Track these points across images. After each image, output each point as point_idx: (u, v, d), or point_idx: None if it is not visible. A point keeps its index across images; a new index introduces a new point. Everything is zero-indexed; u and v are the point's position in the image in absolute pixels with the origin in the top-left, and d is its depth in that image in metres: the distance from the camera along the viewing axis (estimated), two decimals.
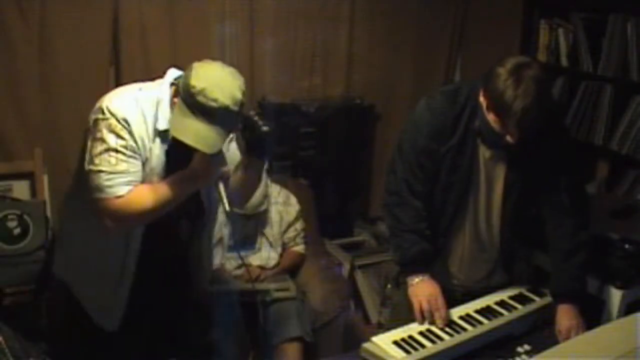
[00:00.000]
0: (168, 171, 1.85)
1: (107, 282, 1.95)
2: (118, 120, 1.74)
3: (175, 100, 1.78)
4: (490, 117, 1.87)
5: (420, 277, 2.08)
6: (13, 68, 2.91)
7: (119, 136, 1.74)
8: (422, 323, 2.00)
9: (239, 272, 2.88)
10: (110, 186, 1.74)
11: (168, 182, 1.80)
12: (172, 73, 1.86)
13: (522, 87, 1.76)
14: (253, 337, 2.71)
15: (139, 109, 1.78)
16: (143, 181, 1.81)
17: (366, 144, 3.80)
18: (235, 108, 1.73)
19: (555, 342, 1.96)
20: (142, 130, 1.78)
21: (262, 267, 2.93)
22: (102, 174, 1.74)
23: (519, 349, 1.94)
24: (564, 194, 2.05)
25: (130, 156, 1.76)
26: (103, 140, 1.74)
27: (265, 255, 2.95)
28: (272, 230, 2.97)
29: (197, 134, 1.71)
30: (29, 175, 2.97)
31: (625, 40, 3.18)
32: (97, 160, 1.74)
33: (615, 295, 2.42)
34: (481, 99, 1.91)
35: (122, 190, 1.75)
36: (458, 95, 2.00)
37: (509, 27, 3.83)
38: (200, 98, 1.69)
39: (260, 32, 3.40)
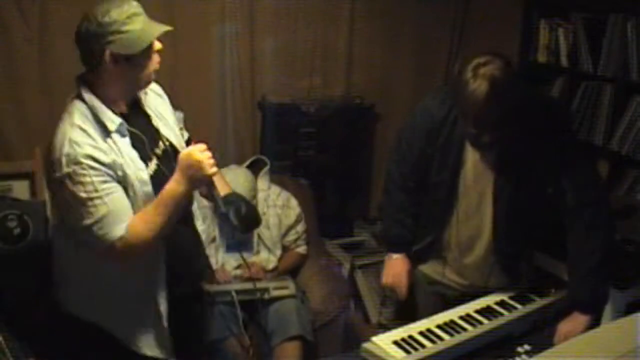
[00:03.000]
0: (143, 159, 1.78)
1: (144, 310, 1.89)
2: (76, 164, 1.64)
3: (109, 64, 1.68)
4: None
5: (395, 256, 2.28)
6: (13, 68, 2.91)
7: (83, 183, 1.64)
8: (385, 296, 2.21)
9: (238, 272, 2.88)
10: (104, 234, 1.67)
11: (158, 200, 1.73)
12: (77, 78, 1.76)
13: (475, 85, 1.78)
14: (253, 336, 2.71)
15: (82, 132, 1.67)
16: (134, 193, 1.74)
17: (366, 143, 3.80)
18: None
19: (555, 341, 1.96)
20: (100, 146, 1.68)
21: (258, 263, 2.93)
22: (91, 228, 1.67)
23: (519, 349, 1.94)
24: (569, 195, 1.99)
25: (106, 193, 1.67)
26: (74, 196, 1.65)
27: (263, 258, 2.94)
28: (270, 233, 2.97)
29: (153, 27, 1.70)
30: (29, 175, 2.97)
31: (625, 40, 3.18)
32: (78, 217, 1.67)
33: (615, 295, 2.42)
34: None
35: (119, 231, 1.68)
36: (446, 96, 2.06)
37: (509, 27, 3.83)
38: (121, 16, 1.66)
39: (260, 32, 3.40)
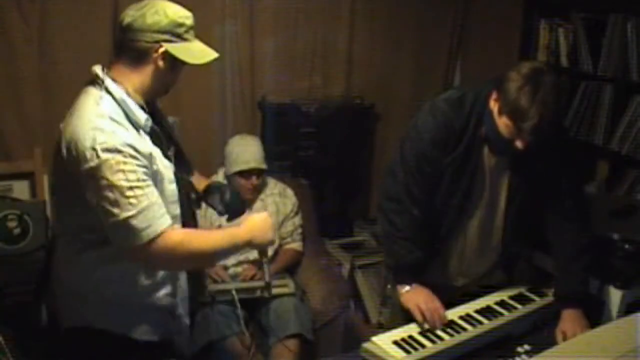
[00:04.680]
0: (167, 157, 1.76)
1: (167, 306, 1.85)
2: (115, 151, 1.55)
3: (159, 61, 1.67)
4: (502, 122, 1.84)
5: (411, 285, 2.09)
6: (13, 68, 2.91)
7: (124, 171, 1.55)
8: (425, 325, 1.99)
9: (238, 269, 2.88)
10: (146, 227, 1.57)
11: (223, 231, 1.79)
12: (98, 69, 1.71)
13: (540, 95, 1.75)
14: (254, 334, 2.72)
15: (114, 123, 1.60)
16: (162, 190, 1.69)
17: (366, 144, 3.80)
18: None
19: (555, 342, 1.96)
20: (134, 139, 1.62)
21: (257, 261, 2.92)
22: (130, 220, 1.55)
23: (519, 349, 1.93)
24: (566, 199, 2.04)
25: (145, 185, 1.59)
26: (112, 186, 1.54)
27: None
28: None
29: (205, 49, 1.75)
30: (29, 175, 2.98)
31: (625, 40, 3.18)
32: (116, 210, 1.55)
33: (615, 295, 2.41)
34: (491, 103, 1.89)
35: (164, 223, 1.60)
36: (463, 103, 1.97)
37: (509, 27, 3.83)
38: (187, 21, 1.70)
39: (260, 32, 3.40)
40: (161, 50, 1.66)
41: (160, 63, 1.67)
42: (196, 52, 1.73)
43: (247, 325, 2.68)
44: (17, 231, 2.79)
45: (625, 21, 3.18)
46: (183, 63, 1.70)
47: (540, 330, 2.07)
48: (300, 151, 3.56)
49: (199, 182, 2.04)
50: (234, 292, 2.67)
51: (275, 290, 2.77)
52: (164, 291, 1.82)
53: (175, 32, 1.67)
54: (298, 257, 3.09)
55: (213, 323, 2.62)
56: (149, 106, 1.76)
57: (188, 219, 1.83)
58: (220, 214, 2.03)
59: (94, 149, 1.54)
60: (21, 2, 2.84)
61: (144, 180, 1.59)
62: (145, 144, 1.66)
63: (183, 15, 1.70)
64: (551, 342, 1.92)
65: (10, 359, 1.80)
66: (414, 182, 2.02)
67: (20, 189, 2.97)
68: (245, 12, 3.33)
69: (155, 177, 1.67)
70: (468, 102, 1.97)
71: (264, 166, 2.92)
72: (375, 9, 3.66)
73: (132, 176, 1.56)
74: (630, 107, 3.25)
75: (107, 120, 1.59)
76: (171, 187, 1.75)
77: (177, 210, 1.77)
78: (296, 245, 3.08)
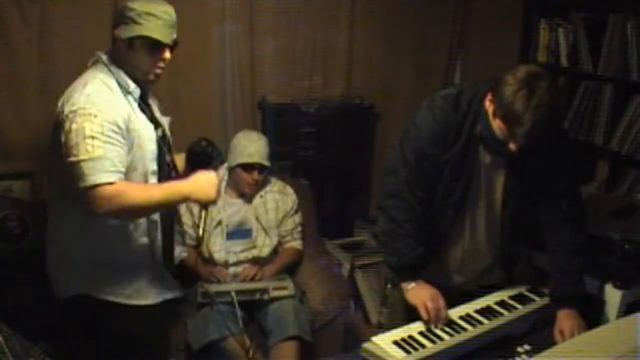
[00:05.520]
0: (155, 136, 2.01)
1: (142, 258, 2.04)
2: (93, 104, 1.81)
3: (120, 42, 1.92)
4: (497, 124, 1.85)
5: (416, 282, 2.08)
6: (13, 68, 2.91)
7: (92, 122, 1.79)
8: (428, 323, 1.99)
9: (237, 269, 2.88)
10: (90, 174, 1.77)
11: (164, 185, 1.92)
12: (100, 54, 1.98)
13: (535, 99, 1.75)
14: (253, 335, 2.71)
15: (104, 85, 1.89)
16: (142, 149, 1.93)
17: (366, 144, 3.80)
18: (174, 15, 1.97)
19: (555, 342, 1.96)
20: (119, 100, 1.90)
21: (256, 257, 2.94)
22: (82, 164, 1.78)
23: (519, 349, 1.94)
24: (562, 199, 2.05)
25: (106, 141, 1.80)
26: (77, 131, 1.79)
27: (260, 243, 2.95)
28: (268, 216, 2.98)
29: (149, 30, 1.90)
30: (29, 175, 2.97)
31: (625, 40, 3.18)
32: (74, 151, 1.78)
33: (615, 295, 2.42)
34: (487, 104, 1.89)
35: (106, 178, 1.78)
36: (461, 99, 1.98)
37: (509, 27, 3.82)
38: (140, 8, 1.89)
39: (260, 32, 3.40)
40: (116, 31, 1.91)
41: (121, 45, 1.93)
42: (140, 30, 1.89)
43: (246, 326, 2.68)
44: (17, 231, 2.78)
45: (625, 21, 3.18)
46: (124, 40, 1.90)
47: (540, 330, 2.07)
48: (300, 151, 3.56)
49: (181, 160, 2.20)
50: (233, 294, 2.67)
51: (274, 293, 2.78)
52: (143, 246, 2.03)
53: (126, 15, 1.89)
54: (298, 256, 3.09)
55: (212, 323, 2.62)
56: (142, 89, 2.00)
57: (164, 177, 2.04)
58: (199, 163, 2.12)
59: (79, 98, 1.83)
60: (21, 2, 2.84)
61: (107, 136, 1.81)
62: (125, 105, 1.91)
63: (144, 4, 1.89)
64: (551, 342, 1.92)
65: (10, 358, 1.80)
66: (414, 179, 2.03)
67: (20, 189, 2.97)
68: (245, 12, 3.33)
69: (136, 136, 1.92)
70: (465, 100, 1.97)
71: (267, 163, 2.92)
72: (375, 9, 3.66)
73: (96, 128, 1.79)
74: (630, 107, 3.24)
75: (98, 82, 1.89)
76: (151, 146, 1.98)
77: (154, 166, 2.01)
78: (296, 243, 3.08)
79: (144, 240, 2.03)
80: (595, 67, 3.38)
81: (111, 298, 2.01)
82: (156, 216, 2.04)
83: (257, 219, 2.97)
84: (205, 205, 2.06)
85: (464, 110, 1.97)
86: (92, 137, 1.78)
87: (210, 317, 2.63)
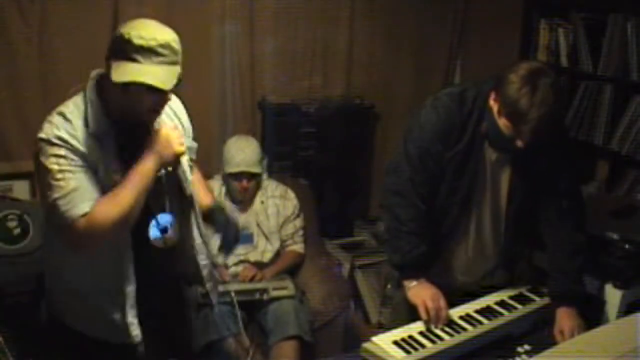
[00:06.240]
0: (123, 159, 1.75)
1: (112, 299, 1.84)
2: (50, 141, 1.66)
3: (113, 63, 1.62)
4: (502, 122, 1.85)
5: (418, 280, 2.08)
6: (13, 68, 2.91)
7: (57, 156, 1.65)
8: (428, 322, 1.99)
9: (237, 269, 2.88)
10: (69, 209, 1.65)
11: (126, 179, 1.71)
12: (92, 76, 1.77)
13: (539, 96, 1.75)
14: (253, 335, 2.71)
15: (63, 119, 1.70)
16: (104, 190, 1.71)
17: (366, 143, 3.80)
18: (176, 46, 1.65)
19: (555, 342, 1.96)
20: (78, 135, 1.68)
21: (258, 262, 2.93)
22: (58, 202, 1.65)
23: (519, 349, 1.94)
24: (563, 197, 2.05)
25: (76, 171, 1.66)
26: (46, 169, 1.66)
27: (261, 248, 2.95)
28: (269, 222, 2.98)
29: (148, 73, 1.59)
30: (29, 175, 2.97)
31: (625, 40, 3.18)
32: (49, 192, 1.66)
33: (615, 295, 2.42)
34: (491, 102, 1.89)
35: (84, 208, 1.65)
36: (465, 97, 1.97)
37: (509, 27, 3.83)
38: (138, 41, 1.59)
39: (260, 32, 3.40)
40: (108, 62, 1.64)
41: (112, 85, 1.64)
42: (126, 73, 1.60)
43: (246, 326, 2.68)
44: (17, 231, 2.78)
45: (625, 21, 3.18)
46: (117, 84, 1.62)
47: (540, 330, 2.07)
48: (300, 151, 3.56)
49: (204, 193, 2.04)
50: (232, 294, 2.67)
51: (274, 293, 2.78)
52: (113, 285, 1.82)
53: (121, 48, 1.61)
54: (299, 259, 3.09)
55: (212, 323, 2.62)
56: (134, 129, 1.76)
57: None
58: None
59: (38, 137, 1.69)
60: (21, 2, 2.84)
61: (73, 167, 1.66)
62: (90, 144, 1.69)
63: (143, 35, 1.61)
64: (551, 342, 1.92)
65: (10, 358, 1.80)
66: (418, 176, 2.02)
67: (20, 189, 2.97)
68: (245, 12, 3.33)
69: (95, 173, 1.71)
70: (469, 98, 1.97)
71: (255, 170, 2.90)
72: (375, 9, 3.66)
73: (62, 160, 1.65)
74: (630, 107, 3.24)
75: (59, 116, 1.72)
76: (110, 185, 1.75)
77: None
78: (297, 247, 3.08)
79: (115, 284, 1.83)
80: (595, 67, 3.38)
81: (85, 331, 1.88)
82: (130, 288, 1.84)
83: (258, 225, 2.97)
84: (174, 165, 1.83)
85: (469, 108, 1.97)
86: (61, 171, 1.65)
87: (210, 317, 2.63)
